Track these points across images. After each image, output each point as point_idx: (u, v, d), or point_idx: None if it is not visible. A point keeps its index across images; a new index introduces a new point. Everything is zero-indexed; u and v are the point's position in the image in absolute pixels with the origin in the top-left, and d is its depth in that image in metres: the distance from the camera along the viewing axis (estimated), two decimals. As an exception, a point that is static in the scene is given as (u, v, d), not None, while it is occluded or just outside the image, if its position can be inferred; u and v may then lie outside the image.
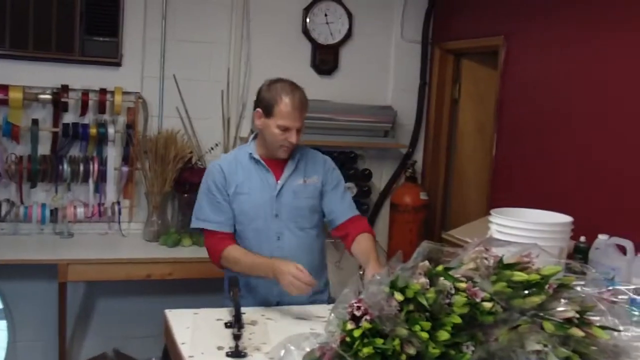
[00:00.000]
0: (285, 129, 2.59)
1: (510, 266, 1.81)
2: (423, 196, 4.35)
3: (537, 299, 1.75)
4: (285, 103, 2.57)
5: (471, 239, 3.06)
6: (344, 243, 2.76)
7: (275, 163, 2.70)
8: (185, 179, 3.87)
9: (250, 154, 2.71)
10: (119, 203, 3.90)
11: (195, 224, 2.74)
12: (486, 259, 1.80)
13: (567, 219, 2.60)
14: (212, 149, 4.05)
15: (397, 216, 4.35)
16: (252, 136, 2.79)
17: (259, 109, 2.64)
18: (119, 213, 3.89)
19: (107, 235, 3.91)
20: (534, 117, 3.59)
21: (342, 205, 2.76)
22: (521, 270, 1.81)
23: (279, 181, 2.68)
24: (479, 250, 1.82)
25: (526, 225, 2.53)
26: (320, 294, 2.77)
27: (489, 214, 2.66)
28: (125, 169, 3.87)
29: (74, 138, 3.78)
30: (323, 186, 2.76)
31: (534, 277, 1.78)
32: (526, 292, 1.76)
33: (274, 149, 2.65)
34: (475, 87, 4.51)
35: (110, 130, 3.79)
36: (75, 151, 3.82)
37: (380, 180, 4.56)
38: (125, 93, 3.83)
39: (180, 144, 3.91)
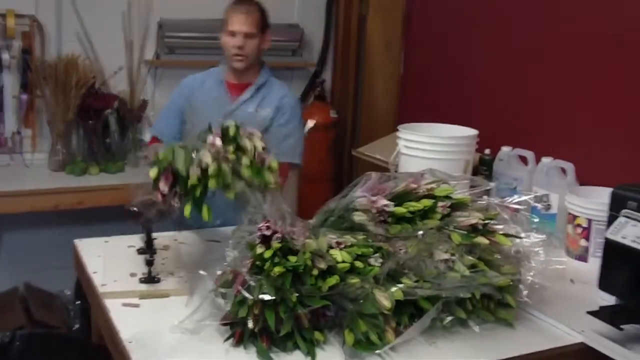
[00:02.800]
0: (232, 34, 2.68)
1: (401, 202, 1.84)
2: (333, 114, 4.36)
3: (433, 222, 1.80)
4: (231, 10, 2.72)
5: (381, 155, 3.14)
6: None
7: (237, 87, 2.79)
8: (89, 105, 3.74)
9: (218, 74, 2.83)
10: (19, 133, 3.73)
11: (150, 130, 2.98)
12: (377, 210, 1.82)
13: (472, 132, 2.67)
14: (115, 73, 3.92)
15: (307, 134, 4.36)
16: (223, 60, 2.86)
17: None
18: (21, 143, 3.74)
19: (9, 167, 3.75)
20: (440, 33, 3.62)
21: (277, 148, 2.76)
22: (413, 199, 1.85)
23: (233, 105, 2.77)
24: (367, 201, 1.84)
25: (433, 139, 2.58)
26: None
27: (398, 130, 2.70)
28: (24, 96, 3.69)
29: (-36, 65, 3.57)
30: (271, 120, 2.78)
31: (427, 203, 1.82)
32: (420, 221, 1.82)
33: (230, 62, 2.74)
34: (382, 3, 4.49)
35: (5, 55, 3.58)
36: (-34, 79, 3.62)
37: (289, 99, 4.53)
38: (18, 16, 3.61)
39: (81, 69, 3.74)
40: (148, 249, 2.06)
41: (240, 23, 2.68)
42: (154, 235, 2.13)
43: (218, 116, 2.74)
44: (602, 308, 1.90)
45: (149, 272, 2.05)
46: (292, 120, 2.82)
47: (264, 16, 2.78)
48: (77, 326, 3.50)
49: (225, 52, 2.75)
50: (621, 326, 1.77)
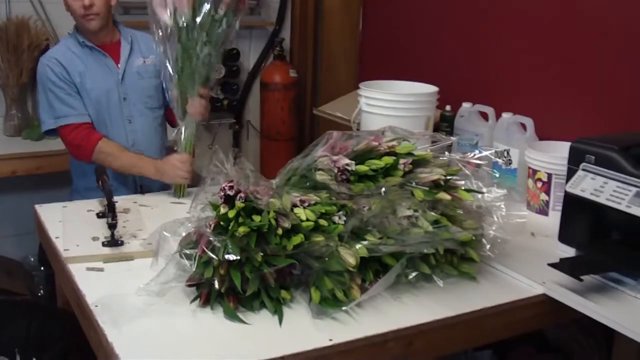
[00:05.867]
0: None
1: (363, 160, 1.84)
2: (292, 74, 4.33)
3: (396, 179, 1.81)
4: None
5: (342, 113, 3.14)
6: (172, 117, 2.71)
7: (109, 48, 2.65)
8: (43, 68, 3.66)
9: (82, 42, 2.62)
10: (-29, 98, 3.65)
11: (51, 124, 2.60)
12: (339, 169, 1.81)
13: (432, 88, 2.67)
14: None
15: (267, 95, 4.33)
16: (74, 26, 2.70)
17: None
18: (-27, 109, 3.65)
19: (-37, 133, 3.68)
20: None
21: None
22: (374, 157, 1.85)
23: (119, 65, 2.64)
24: (329, 160, 1.82)
25: (394, 96, 2.58)
26: None
27: (358, 88, 2.69)
28: (-26, 60, 3.61)
29: None
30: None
31: (388, 160, 1.83)
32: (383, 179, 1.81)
33: (82, 24, 2.59)
34: (340, -40, 4.45)
35: (-48, 18, 3.49)
36: None
37: (248, 59, 4.48)
38: (-36, -23, 3.51)
39: (33, 31, 3.66)
40: (109, 212, 2.03)
41: None
42: (114, 198, 2.10)
43: (110, 80, 2.64)
44: (563, 260, 1.94)
45: (112, 236, 2.03)
46: None
47: None
48: (41, 292, 3.47)
49: (75, 16, 2.60)
50: (581, 277, 1.81)
